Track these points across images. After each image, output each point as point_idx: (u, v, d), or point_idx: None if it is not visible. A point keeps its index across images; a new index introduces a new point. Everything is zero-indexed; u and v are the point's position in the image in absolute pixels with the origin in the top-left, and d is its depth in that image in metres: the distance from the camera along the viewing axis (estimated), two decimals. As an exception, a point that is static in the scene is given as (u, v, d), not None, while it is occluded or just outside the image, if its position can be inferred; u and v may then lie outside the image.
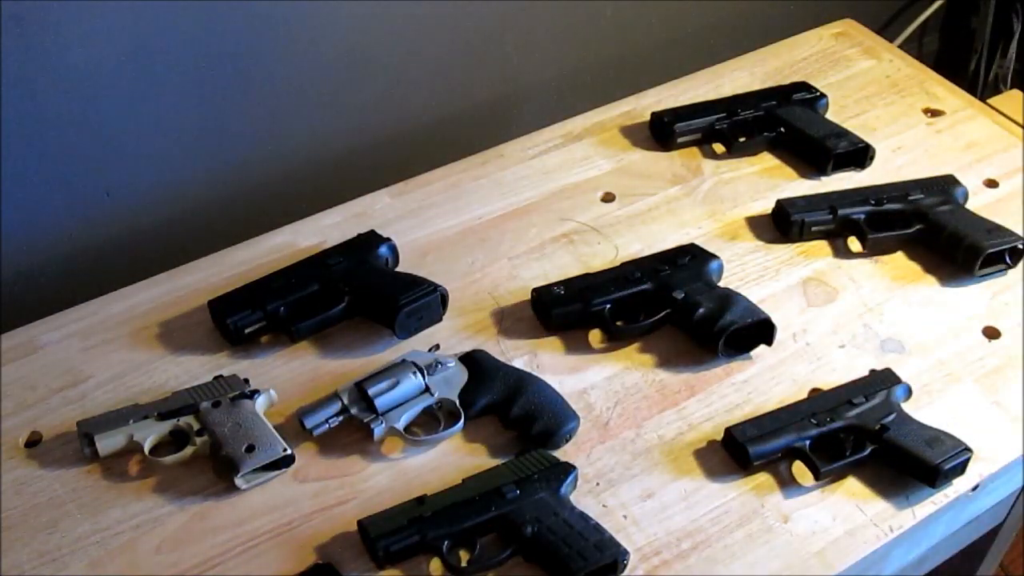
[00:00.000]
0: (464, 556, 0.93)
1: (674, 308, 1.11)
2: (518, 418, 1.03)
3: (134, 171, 1.34)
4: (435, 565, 0.93)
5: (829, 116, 1.39)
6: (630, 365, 1.10)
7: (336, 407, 1.02)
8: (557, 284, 1.15)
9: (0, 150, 1.20)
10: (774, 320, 1.09)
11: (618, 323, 1.12)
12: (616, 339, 1.12)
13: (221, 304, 1.12)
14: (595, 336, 1.13)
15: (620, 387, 1.08)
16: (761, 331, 1.09)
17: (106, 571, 0.93)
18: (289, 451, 0.99)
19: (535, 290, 1.15)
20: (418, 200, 1.30)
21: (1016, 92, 1.84)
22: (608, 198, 1.30)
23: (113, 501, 0.98)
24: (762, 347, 1.11)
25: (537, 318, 1.14)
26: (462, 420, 1.03)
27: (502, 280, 1.20)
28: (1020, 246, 1.19)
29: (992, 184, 1.32)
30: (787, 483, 1.00)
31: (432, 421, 1.05)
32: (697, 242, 1.22)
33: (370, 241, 1.19)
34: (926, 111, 1.43)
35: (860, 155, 1.33)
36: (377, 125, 1.51)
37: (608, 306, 1.12)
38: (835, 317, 1.15)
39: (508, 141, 1.38)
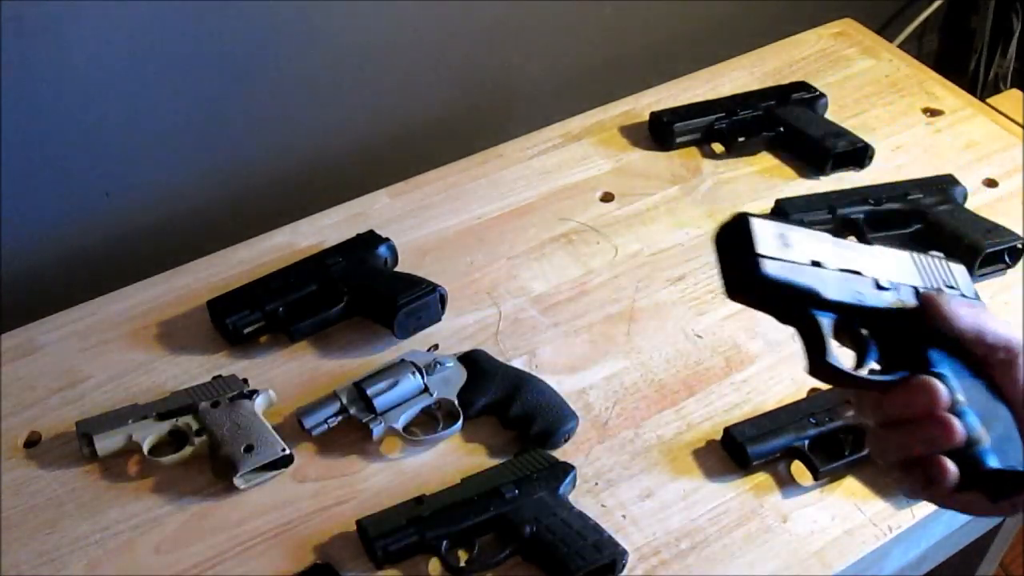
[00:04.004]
0: (463, 556, 0.93)
1: None
2: (517, 418, 1.03)
3: (134, 171, 1.34)
4: (434, 565, 0.93)
5: (828, 116, 1.39)
6: (629, 365, 1.10)
7: (335, 407, 1.02)
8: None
9: (0, 150, 1.21)
10: (773, 320, 1.09)
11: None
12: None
13: (220, 304, 1.12)
14: (595, 340, 1.13)
15: (619, 387, 1.08)
16: None
17: (105, 571, 0.93)
18: (288, 451, 0.99)
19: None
20: (417, 200, 1.30)
21: (1016, 91, 1.83)
22: (607, 198, 1.30)
23: (112, 501, 0.98)
24: (761, 346, 1.11)
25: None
26: (461, 420, 1.03)
27: (501, 280, 1.20)
28: (1019, 246, 1.19)
29: (991, 184, 1.32)
30: (786, 483, 1.00)
31: (431, 421, 1.05)
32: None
33: (369, 241, 1.19)
34: (925, 111, 1.43)
35: (859, 155, 1.33)
36: (376, 125, 1.51)
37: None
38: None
39: (507, 141, 1.38)
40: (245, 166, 1.43)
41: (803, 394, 1.07)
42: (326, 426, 1.01)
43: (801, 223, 1.19)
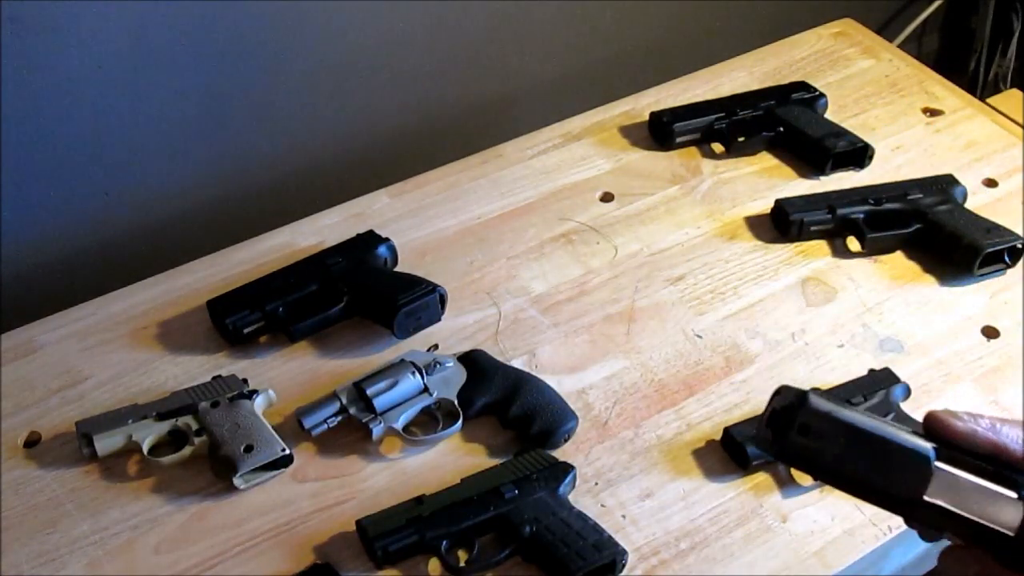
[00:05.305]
0: (463, 556, 0.93)
1: None
2: (517, 418, 1.03)
3: (133, 171, 1.34)
4: (433, 565, 0.93)
5: (828, 116, 1.39)
6: (629, 365, 1.10)
7: (335, 407, 1.02)
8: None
9: (0, 150, 1.21)
10: (773, 320, 1.09)
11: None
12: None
13: (220, 304, 1.12)
14: (595, 340, 1.13)
15: (619, 387, 1.08)
16: None
17: (105, 571, 0.93)
18: (288, 451, 0.99)
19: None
20: (417, 200, 1.30)
21: (1015, 91, 1.84)
22: (607, 198, 1.30)
23: (112, 501, 0.98)
24: (761, 346, 1.11)
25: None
26: (460, 420, 1.03)
27: (501, 280, 1.20)
28: (1019, 245, 1.19)
29: (991, 184, 1.32)
30: (786, 483, 1.00)
31: (431, 421, 1.05)
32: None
33: (369, 241, 1.19)
34: (925, 110, 1.43)
35: (859, 154, 1.33)
36: (376, 125, 1.51)
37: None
38: (834, 317, 1.15)
39: (507, 141, 1.38)
40: (245, 166, 1.43)
41: (803, 394, 1.07)
42: (326, 426, 1.01)
43: (800, 223, 1.22)
